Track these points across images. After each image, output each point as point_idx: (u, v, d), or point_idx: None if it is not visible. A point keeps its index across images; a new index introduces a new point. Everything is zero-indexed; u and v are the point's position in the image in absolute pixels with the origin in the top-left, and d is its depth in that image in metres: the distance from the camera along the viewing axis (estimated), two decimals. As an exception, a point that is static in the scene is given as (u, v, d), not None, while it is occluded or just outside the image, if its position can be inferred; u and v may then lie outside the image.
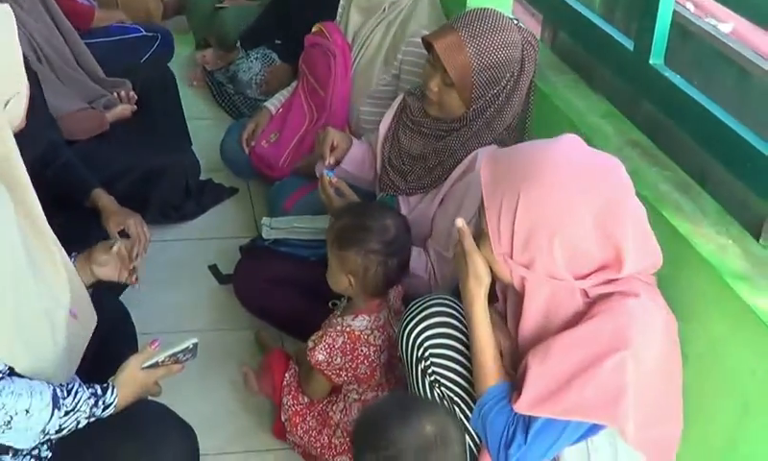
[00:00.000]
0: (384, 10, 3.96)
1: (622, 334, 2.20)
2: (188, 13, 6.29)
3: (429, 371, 2.56)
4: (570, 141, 2.35)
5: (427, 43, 3.13)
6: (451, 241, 3.13)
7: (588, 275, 2.29)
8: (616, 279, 2.27)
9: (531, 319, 2.37)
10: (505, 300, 2.57)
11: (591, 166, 2.30)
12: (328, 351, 2.93)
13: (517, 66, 3.09)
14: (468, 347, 2.53)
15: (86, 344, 2.61)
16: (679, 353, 2.36)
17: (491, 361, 2.44)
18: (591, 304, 2.29)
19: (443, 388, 2.56)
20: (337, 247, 2.94)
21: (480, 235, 2.41)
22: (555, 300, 2.32)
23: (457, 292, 3.14)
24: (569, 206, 2.22)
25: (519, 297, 2.39)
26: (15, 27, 2.47)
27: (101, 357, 2.78)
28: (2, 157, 2.35)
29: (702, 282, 2.42)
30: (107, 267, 2.88)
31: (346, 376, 2.97)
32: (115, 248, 2.89)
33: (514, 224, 2.26)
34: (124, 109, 4.27)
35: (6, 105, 2.40)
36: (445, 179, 3.20)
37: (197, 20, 6.12)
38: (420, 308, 2.64)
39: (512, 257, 2.31)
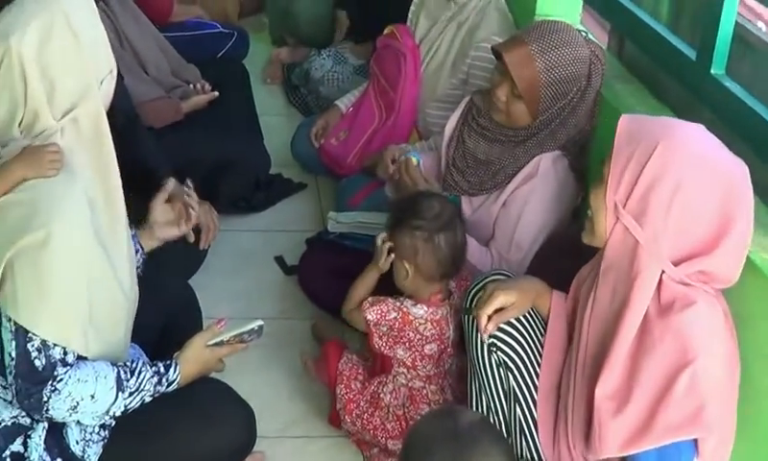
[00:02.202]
0: (450, 16, 4.00)
1: (687, 348, 2.22)
2: (266, 10, 6.39)
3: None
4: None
5: (497, 52, 3.17)
6: (514, 245, 3.22)
7: (681, 262, 2.29)
8: (688, 284, 2.28)
9: (617, 286, 2.37)
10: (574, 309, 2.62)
11: (727, 150, 2.34)
12: (379, 315, 2.99)
13: (584, 81, 3.12)
14: (527, 316, 2.64)
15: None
16: (737, 350, 2.36)
17: None
18: (653, 312, 2.29)
19: (500, 353, 2.64)
20: (389, 231, 3.04)
21: (599, 184, 2.42)
22: (643, 272, 2.30)
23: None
24: (703, 167, 2.26)
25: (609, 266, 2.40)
26: (97, 10, 2.55)
27: (167, 338, 2.88)
28: (96, 135, 2.45)
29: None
30: (168, 225, 2.98)
31: (385, 344, 3.03)
32: (170, 190, 3.03)
33: (642, 170, 2.28)
34: (199, 100, 4.34)
35: (101, 84, 2.48)
36: (508, 182, 3.25)
37: (273, 17, 6.20)
38: (482, 277, 2.78)
39: (624, 207, 2.33)
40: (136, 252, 2.83)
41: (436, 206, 3.01)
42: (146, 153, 3.59)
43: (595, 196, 2.43)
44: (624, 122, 2.39)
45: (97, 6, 2.57)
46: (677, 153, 2.26)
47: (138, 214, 2.77)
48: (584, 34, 3.18)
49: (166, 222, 3.01)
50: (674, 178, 2.25)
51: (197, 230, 3.52)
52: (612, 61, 3.60)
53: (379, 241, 3.08)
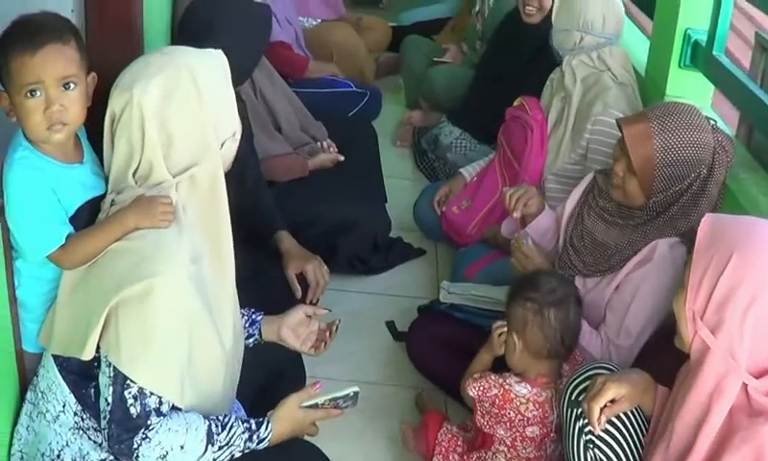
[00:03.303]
0: (571, 89, 3.99)
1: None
2: (402, 73, 6.43)
3: (586, 430, 2.57)
4: None
5: (620, 127, 3.14)
6: (624, 330, 3.14)
7: (762, 375, 2.22)
8: None
9: (696, 396, 2.30)
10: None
11: None
12: (481, 391, 2.98)
13: (705, 169, 3.04)
14: (628, 412, 2.54)
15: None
16: None
17: None
18: (741, 416, 2.23)
19: (597, 451, 2.57)
20: (506, 305, 3.03)
21: (680, 291, 2.37)
22: (721, 384, 2.25)
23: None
24: None
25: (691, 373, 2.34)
26: (229, 72, 2.59)
27: (267, 396, 2.87)
28: (211, 193, 2.49)
29: None
30: (294, 334, 2.94)
31: (487, 423, 3.01)
32: (312, 322, 2.98)
33: (717, 281, 2.22)
34: (325, 160, 4.40)
35: (222, 145, 2.52)
36: (623, 266, 3.18)
37: (409, 80, 6.24)
38: (585, 369, 2.69)
39: (702, 318, 2.27)
40: (251, 336, 2.88)
41: (553, 283, 3.00)
42: (263, 209, 3.63)
43: (677, 302, 2.38)
44: (705, 225, 2.32)
45: None
46: (753, 263, 2.19)
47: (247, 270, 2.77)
48: (712, 122, 3.11)
49: (295, 330, 2.95)
50: (749, 291, 2.18)
51: (304, 285, 3.53)
52: (740, 149, 3.51)
53: (495, 326, 3.09)
